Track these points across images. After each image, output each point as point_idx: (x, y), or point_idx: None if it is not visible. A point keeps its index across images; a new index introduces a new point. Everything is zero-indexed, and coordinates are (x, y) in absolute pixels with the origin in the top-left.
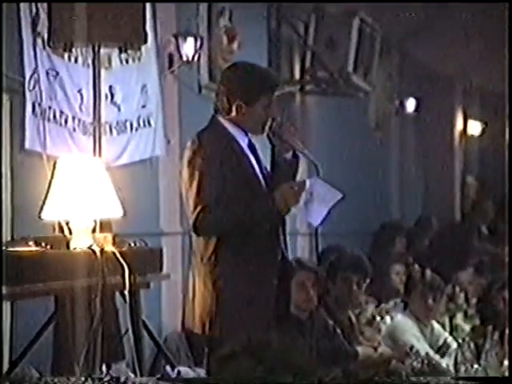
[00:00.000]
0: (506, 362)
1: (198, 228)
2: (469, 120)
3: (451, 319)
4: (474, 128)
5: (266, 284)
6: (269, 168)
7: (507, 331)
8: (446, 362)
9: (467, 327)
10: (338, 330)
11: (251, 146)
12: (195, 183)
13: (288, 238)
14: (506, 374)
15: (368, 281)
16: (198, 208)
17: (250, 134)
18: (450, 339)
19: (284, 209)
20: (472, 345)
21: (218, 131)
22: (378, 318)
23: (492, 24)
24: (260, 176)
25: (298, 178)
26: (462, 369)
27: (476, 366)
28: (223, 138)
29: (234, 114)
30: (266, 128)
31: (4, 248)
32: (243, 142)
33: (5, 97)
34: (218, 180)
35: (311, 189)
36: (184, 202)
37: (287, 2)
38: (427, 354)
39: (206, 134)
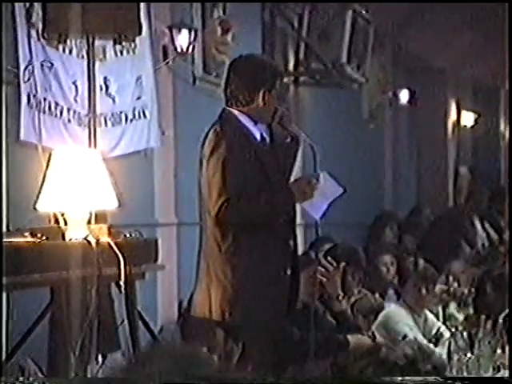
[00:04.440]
0: (498, 351)
1: (220, 218)
2: (462, 111)
3: (444, 308)
4: (467, 119)
5: (281, 273)
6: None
7: (500, 321)
8: (439, 351)
9: (460, 316)
10: (332, 320)
11: (263, 137)
12: (218, 174)
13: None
14: (502, 361)
15: (362, 272)
16: (222, 199)
17: (259, 124)
18: (443, 328)
19: (300, 201)
20: (465, 334)
21: (233, 123)
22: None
23: (485, 16)
24: (273, 164)
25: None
26: (455, 358)
27: (469, 354)
28: (239, 129)
29: (254, 103)
30: (275, 116)
31: None
32: (257, 133)
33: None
34: (240, 171)
35: (318, 184)
36: (204, 193)
37: (283, 1)
38: (419, 341)
39: (224, 126)
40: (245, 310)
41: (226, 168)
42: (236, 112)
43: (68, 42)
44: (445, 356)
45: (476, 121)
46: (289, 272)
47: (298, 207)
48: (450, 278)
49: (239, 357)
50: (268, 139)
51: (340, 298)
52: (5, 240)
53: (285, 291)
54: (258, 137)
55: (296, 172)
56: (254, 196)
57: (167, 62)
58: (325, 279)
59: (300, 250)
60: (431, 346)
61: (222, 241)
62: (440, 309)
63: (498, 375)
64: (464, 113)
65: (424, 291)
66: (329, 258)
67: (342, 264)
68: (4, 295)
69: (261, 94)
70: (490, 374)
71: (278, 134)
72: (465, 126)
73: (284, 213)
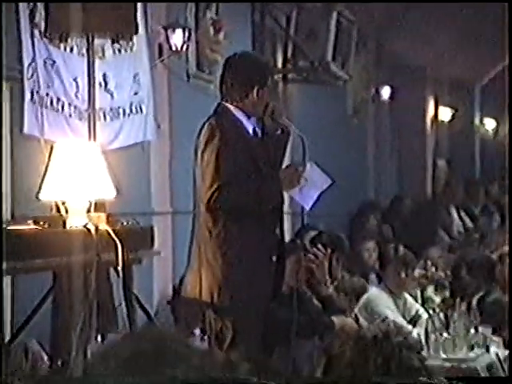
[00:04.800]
0: (472, 331)
1: (212, 204)
2: (440, 106)
3: (422, 292)
4: (445, 114)
5: (267, 259)
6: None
7: (474, 303)
8: (417, 332)
9: (437, 299)
10: (317, 302)
11: (254, 130)
12: (212, 164)
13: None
14: (475, 340)
15: (346, 257)
16: (214, 186)
17: (252, 119)
18: (421, 310)
19: (287, 188)
20: (442, 315)
21: (228, 117)
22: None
23: (462, 18)
24: (264, 155)
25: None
26: (432, 338)
27: (445, 334)
28: (233, 123)
29: (248, 99)
30: (267, 110)
31: (4, 226)
32: (249, 127)
33: (4, 84)
34: (232, 161)
35: (306, 174)
36: (198, 182)
37: (271, 1)
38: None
39: (219, 119)
40: (232, 292)
41: (220, 158)
42: (231, 107)
43: (69, 40)
44: (423, 336)
45: (453, 116)
46: (275, 258)
47: (286, 197)
48: (428, 263)
49: (230, 337)
50: (260, 132)
51: (328, 283)
52: (10, 227)
53: (270, 275)
54: (251, 130)
55: (285, 162)
56: (244, 183)
57: (162, 60)
58: (314, 265)
59: (287, 238)
60: (409, 326)
61: (213, 227)
62: (418, 292)
63: (472, 354)
64: (442, 108)
65: (404, 275)
66: (319, 246)
67: (329, 251)
68: (9, 279)
69: (255, 91)
70: (464, 352)
71: (269, 127)
72: (442, 120)
73: (272, 200)
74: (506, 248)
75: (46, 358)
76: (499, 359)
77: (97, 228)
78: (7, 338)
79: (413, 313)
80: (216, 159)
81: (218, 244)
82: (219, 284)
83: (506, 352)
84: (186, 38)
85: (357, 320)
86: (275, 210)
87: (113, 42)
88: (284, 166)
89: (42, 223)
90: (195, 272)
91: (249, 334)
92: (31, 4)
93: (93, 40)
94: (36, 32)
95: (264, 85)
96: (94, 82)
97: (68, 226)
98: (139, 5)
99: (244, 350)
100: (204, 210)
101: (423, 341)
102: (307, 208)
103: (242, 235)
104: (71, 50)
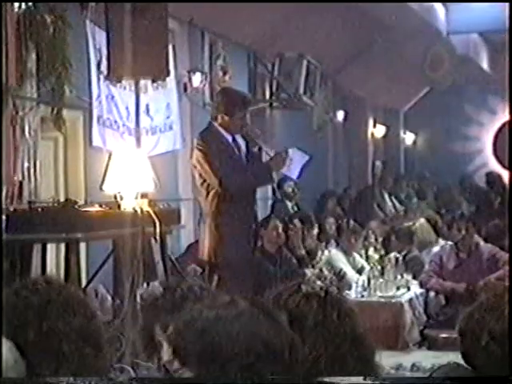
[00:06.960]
0: (399, 277)
1: (226, 190)
2: (377, 125)
3: (366, 251)
4: (380, 130)
5: (247, 229)
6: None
7: (400, 258)
8: (362, 279)
9: (376, 256)
10: (294, 260)
11: (234, 140)
12: (207, 165)
13: (261, 202)
14: (401, 283)
15: (313, 229)
16: (218, 179)
17: (231, 133)
18: (365, 264)
19: (276, 170)
20: (379, 267)
21: (214, 132)
22: (320, 252)
23: (391, 64)
24: (243, 158)
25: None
26: (372, 282)
27: (381, 280)
28: (217, 135)
29: (229, 120)
30: (243, 129)
31: (79, 208)
32: (229, 138)
33: (80, 112)
34: (222, 160)
35: (290, 156)
36: (196, 177)
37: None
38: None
39: (207, 133)
40: (223, 254)
41: (212, 160)
42: (216, 124)
43: (123, 81)
44: (366, 281)
45: (386, 131)
46: (253, 227)
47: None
48: (369, 232)
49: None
50: (237, 140)
51: (301, 247)
52: (83, 209)
53: (250, 240)
54: (231, 139)
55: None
56: (243, 173)
57: (186, 94)
58: (293, 234)
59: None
60: (357, 275)
61: (208, 209)
62: (363, 251)
63: (398, 292)
64: (378, 126)
65: (353, 240)
66: (295, 221)
67: (301, 225)
68: (84, 244)
69: (236, 115)
70: (393, 291)
71: (250, 144)
72: (378, 134)
73: (265, 181)
74: (422, 220)
75: (109, 297)
76: (416, 295)
77: (142, 209)
78: (84, 283)
79: (359, 266)
80: (210, 160)
81: (211, 220)
82: (214, 248)
83: (421, 290)
84: (202, 79)
85: (321, 271)
86: (249, 195)
87: (152, 82)
88: (272, 155)
89: (104, 206)
90: (203, 239)
91: (234, 281)
92: (98, 56)
93: (139, 81)
94: (101, 76)
95: (231, 114)
96: (139, 110)
97: (122, 208)
98: (171, 56)
99: (238, 293)
100: (200, 197)
101: (366, 284)
102: (295, 178)
103: (227, 214)
104: (124, 87)
